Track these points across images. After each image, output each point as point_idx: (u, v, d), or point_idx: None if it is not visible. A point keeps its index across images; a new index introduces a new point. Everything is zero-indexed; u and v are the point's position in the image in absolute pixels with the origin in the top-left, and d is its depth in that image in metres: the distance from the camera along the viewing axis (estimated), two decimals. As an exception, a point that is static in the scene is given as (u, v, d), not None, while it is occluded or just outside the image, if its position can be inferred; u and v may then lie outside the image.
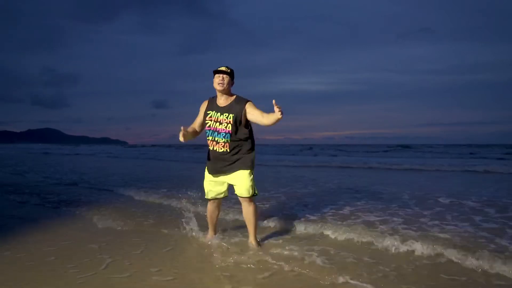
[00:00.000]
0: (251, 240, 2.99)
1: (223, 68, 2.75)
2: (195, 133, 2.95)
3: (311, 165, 12.68)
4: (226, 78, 2.74)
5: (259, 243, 3.01)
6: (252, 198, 2.88)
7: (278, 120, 2.48)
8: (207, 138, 2.83)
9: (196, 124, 2.96)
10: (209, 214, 3.10)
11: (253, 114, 2.70)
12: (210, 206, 3.06)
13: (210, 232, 3.18)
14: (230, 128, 2.73)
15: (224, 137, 2.75)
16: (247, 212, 2.92)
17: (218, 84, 2.73)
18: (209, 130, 2.81)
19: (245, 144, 2.82)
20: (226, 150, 2.77)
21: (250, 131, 2.86)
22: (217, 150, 2.80)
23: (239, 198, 2.92)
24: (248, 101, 2.78)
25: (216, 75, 2.75)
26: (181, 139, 2.70)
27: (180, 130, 2.68)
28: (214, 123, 2.78)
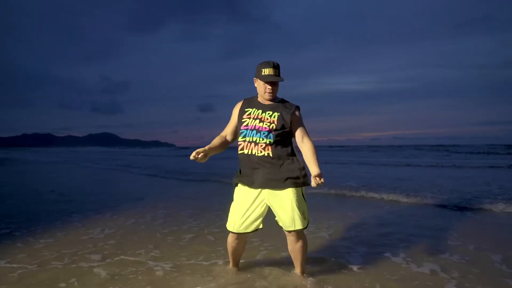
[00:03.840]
0: (298, 271, 2.32)
1: (274, 72, 2.08)
2: (224, 144, 2.25)
3: None
4: (277, 87, 2.15)
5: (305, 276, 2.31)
6: (303, 230, 2.13)
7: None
8: (242, 140, 2.12)
9: (227, 131, 2.28)
10: (230, 250, 2.32)
11: (295, 127, 2.13)
12: (232, 241, 2.26)
13: (232, 264, 2.43)
14: (274, 128, 2.07)
15: (266, 136, 2.06)
16: (295, 249, 2.20)
17: (268, 94, 2.13)
18: (246, 129, 2.11)
19: (291, 158, 2.12)
20: (268, 153, 2.06)
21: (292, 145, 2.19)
22: (255, 154, 2.06)
23: (284, 230, 2.15)
24: (297, 106, 2.20)
25: (267, 83, 2.11)
26: (194, 156, 1.98)
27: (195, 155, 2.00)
28: (254, 120, 2.11)
